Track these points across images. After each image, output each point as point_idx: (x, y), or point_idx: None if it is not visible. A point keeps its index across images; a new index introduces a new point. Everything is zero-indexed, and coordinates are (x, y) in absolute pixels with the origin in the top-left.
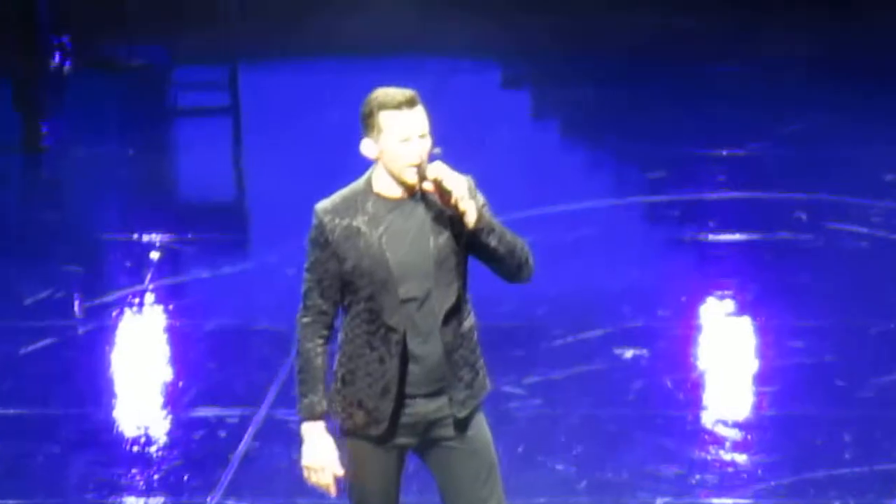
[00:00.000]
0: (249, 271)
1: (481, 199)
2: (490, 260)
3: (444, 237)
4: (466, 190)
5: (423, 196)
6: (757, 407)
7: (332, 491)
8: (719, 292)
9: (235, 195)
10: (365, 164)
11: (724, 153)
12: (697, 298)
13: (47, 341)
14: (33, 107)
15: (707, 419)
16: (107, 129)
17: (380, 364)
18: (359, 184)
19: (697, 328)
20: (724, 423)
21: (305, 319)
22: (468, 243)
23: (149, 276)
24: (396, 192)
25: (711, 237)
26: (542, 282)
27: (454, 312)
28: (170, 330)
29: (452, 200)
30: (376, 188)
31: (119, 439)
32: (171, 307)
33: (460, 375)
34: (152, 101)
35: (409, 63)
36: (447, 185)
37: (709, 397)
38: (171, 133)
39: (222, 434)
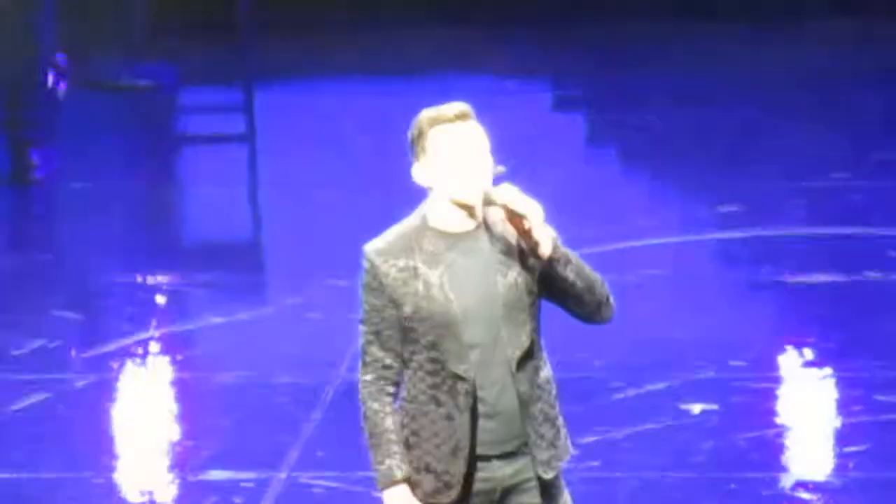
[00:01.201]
0: (268, 317)
1: (552, 230)
2: (567, 297)
3: (514, 273)
4: (542, 215)
5: (487, 228)
6: (843, 469)
7: None
8: (800, 340)
9: (252, 232)
10: (404, 197)
11: (806, 184)
12: (776, 347)
13: (40, 397)
14: (23, 134)
15: (786, 484)
16: (107, 159)
17: (448, 421)
18: (412, 219)
19: (776, 381)
20: (806, 488)
21: (368, 377)
22: (542, 280)
23: (154, 323)
24: (456, 226)
25: (791, 279)
26: (600, 328)
27: (528, 359)
28: (178, 383)
29: (527, 226)
30: (432, 222)
31: None
32: (179, 357)
33: (541, 432)
34: (158, 127)
35: (447, 83)
36: (520, 208)
37: (788, 459)
38: (179, 163)
39: (238, 501)
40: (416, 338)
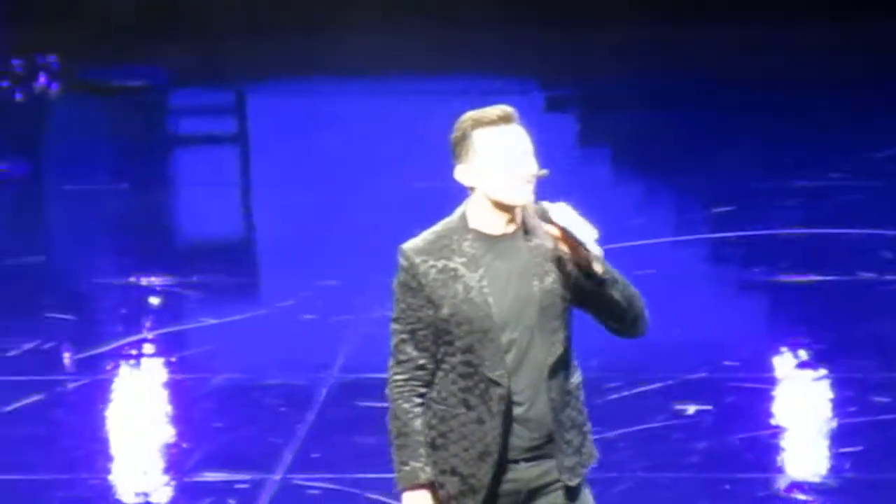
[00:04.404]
0: (261, 318)
1: (599, 249)
2: (607, 314)
3: (550, 279)
4: (596, 237)
5: (527, 231)
6: (837, 470)
7: None
8: (794, 341)
9: (245, 233)
10: (397, 199)
11: (800, 185)
12: (769, 348)
13: (33, 398)
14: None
15: (781, 484)
16: (99, 160)
17: (478, 425)
18: (452, 220)
19: (769, 381)
20: (801, 489)
21: (399, 377)
22: (580, 293)
23: (148, 325)
24: (496, 228)
25: (785, 279)
26: (595, 330)
27: (560, 365)
28: (172, 385)
29: (582, 253)
30: (473, 224)
31: None
32: (173, 359)
33: (568, 439)
34: (150, 128)
35: (439, 84)
36: (577, 234)
37: (783, 459)
38: (171, 164)
39: (232, 502)
40: (450, 340)
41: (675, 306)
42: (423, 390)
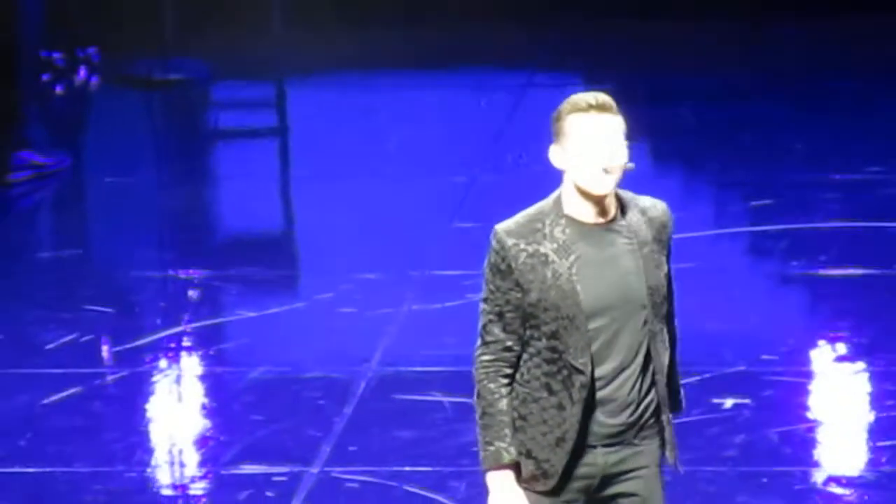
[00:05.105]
0: (300, 311)
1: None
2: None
3: (657, 281)
4: None
5: (628, 222)
6: (875, 464)
7: None
8: (833, 334)
9: (284, 226)
10: (435, 191)
11: (839, 178)
12: (808, 341)
13: (71, 391)
14: (43, 126)
15: (818, 478)
16: (139, 153)
17: (558, 410)
18: (546, 204)
19: (807, 375)
20: (838, 483)
21: (485, 357)
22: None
23: (186, 317)
24: (588, 216)
25: (823, 272)
26: None
27: (666, 363)
28: (210, 378)
29: None
30: (566, 209)
31: (153, 502)
32: (211, 352)
33: (673, 434)
34: (190, 121)
35: (479, 77)
36: None
37: (821, 453)
38: (210, 157)
39: (270, 495)
40: (537, 324)
41: (714, 299)
42: (509, 371)
